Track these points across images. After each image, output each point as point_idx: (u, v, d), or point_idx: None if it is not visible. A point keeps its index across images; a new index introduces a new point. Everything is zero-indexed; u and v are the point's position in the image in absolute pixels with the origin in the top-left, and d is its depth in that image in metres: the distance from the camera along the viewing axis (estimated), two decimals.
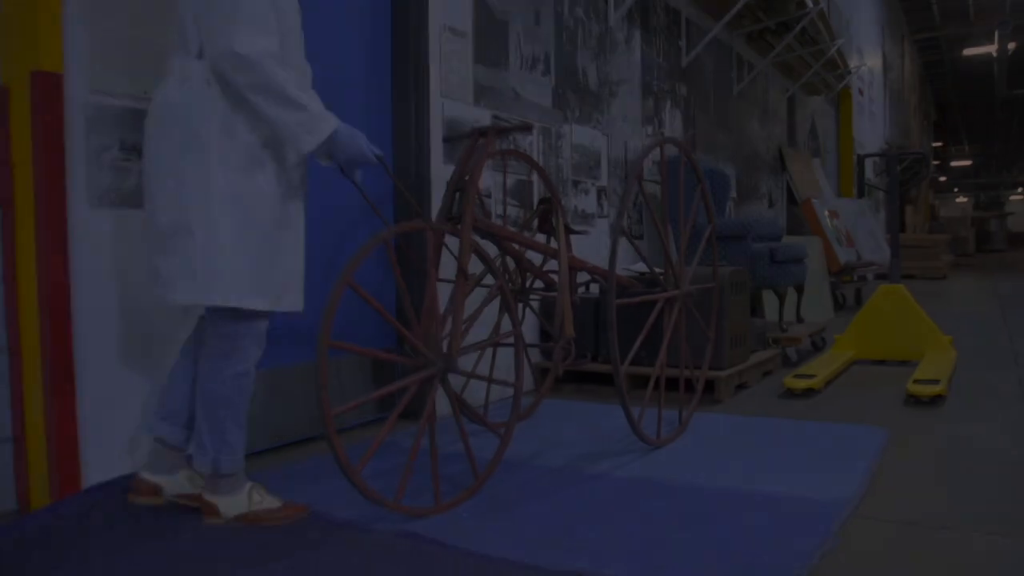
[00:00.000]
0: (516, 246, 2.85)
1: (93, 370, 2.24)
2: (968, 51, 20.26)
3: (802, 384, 3.69)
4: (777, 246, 4.88)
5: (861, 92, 13.35)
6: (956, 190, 42.62)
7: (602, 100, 4.87)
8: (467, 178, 2.62)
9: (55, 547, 1.93)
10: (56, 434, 2.14)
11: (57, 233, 2.17)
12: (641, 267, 3.95)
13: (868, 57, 13.98)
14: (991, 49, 18.67)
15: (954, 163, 37.17)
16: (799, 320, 5.55)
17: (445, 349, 2.30)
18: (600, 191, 4.82)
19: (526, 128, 2.65)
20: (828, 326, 5.58)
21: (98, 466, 2.24)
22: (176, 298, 2.01)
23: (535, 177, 4.09)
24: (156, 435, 2.16)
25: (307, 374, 3.01)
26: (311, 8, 3.06)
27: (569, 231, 3.02)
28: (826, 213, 7.98)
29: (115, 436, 2.30)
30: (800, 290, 5.46)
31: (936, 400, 3.46)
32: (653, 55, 5.67)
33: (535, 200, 4.11)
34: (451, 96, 3.52)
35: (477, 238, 2.70)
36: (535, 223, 3.15)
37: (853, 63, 11.30)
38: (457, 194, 2.65)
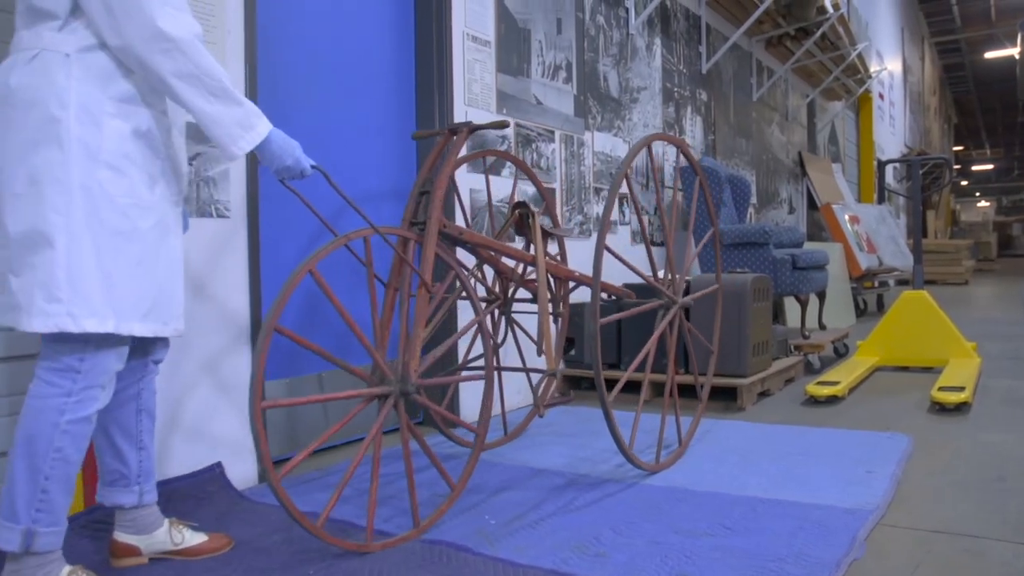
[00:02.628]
0: (492, 253, 2.65)
1: None
2: (990, 54, 20.11)
3: (825, 391, 3.69)
4: (799, 252, 4.87)
5: (881, 96, 13.28)
6: (978, 194, 42.24)
7: (623, 107, 4.89)
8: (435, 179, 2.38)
9: (84, 552, 1.96)
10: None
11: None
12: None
13: (888, 61, 13.91)
14: (1014, 51, 18.52)
15: (976, 167, 36.86)
16: (821, 327, 5.53)
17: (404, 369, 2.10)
18: (622, 198, 4.83)
19: (503, 126, 2.49)
20: (850, 332, 5.56)
21: None
22: (31, 326, 1.60)
23: (557, 184, 4.11)
24: (112, 504, 1.89)
25: (349, 378, 3.04)
26: (335, 19, 3.10)
27: (548, 235, 2.80)
28: (846, 218, 7.95)
29: None
30: (822, 296, 5.43)
31: (961, 407, 3.44)
32: (674, 61, 5.68)
33: (559, 208, 4.13)
34: (474, 104, 3.55)
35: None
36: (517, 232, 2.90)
37: (873, 67, 11.26)
38: (423, 197, 2.40)
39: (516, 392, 3.71)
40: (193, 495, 2.33)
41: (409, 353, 2.10)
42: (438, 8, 3.40)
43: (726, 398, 3.79)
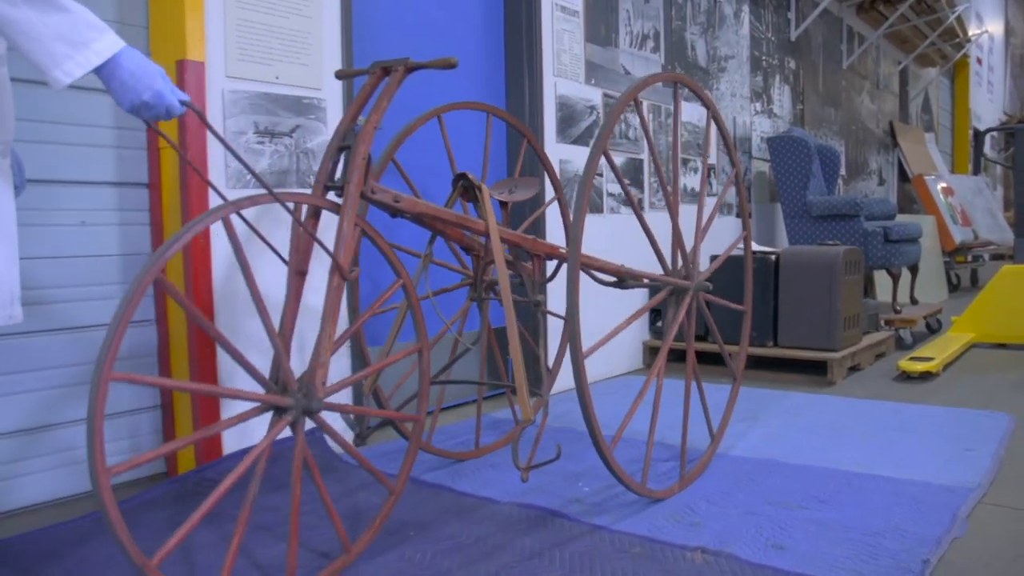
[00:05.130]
0: (446, 225, 2.12)
1: (230, 339, 2.37)
2: None
3: (919, 367, 3.60)
4: (891, 225, 4.74)
5: (980, 61, 12.70)
6: None
7: (711, 76, 4.81)
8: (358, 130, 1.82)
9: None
10: (200, 402, 2.28)
11: (199, 213, 2.30)
12: (752, 246, 3.90)
13: (989, 23, 13.27)
14: None
15: None
16: (913, 301, 5.38)
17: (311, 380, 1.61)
18: (709, 169, 4.77)
19: (449, 65, 1.86)
20: (943, 308, 5.40)
21: (235, 433, 2.38)
22: None
23: (646, 155, 4.09)
24: None
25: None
26: None
27: (505, 205, 2.34)
28: (940, 189, 7.68)
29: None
30: (914, 270, 5.29)
31: None
32: (762, 29, 5.55)
33: (646, 180, 4.10)
34: (563, 75, 3.55)
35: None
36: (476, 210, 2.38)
37: (972, 30, 10.76)
38: (342, 153, 1.84)
39: (624, 359, 3.72)
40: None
41: (315, 359, 1.62)
42: None
43: (815, 372, 3.74)
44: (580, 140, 3.62)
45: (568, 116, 3.56)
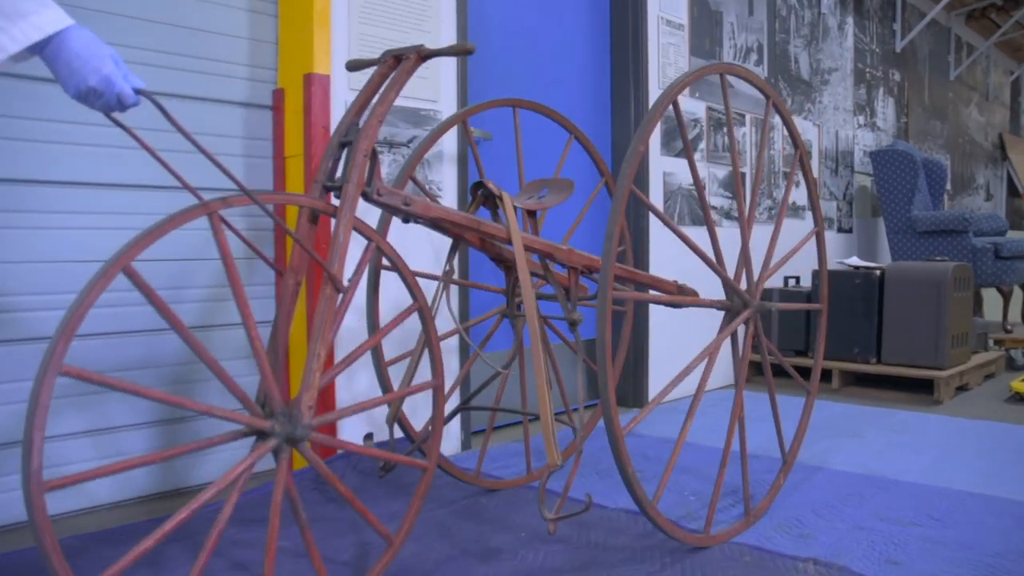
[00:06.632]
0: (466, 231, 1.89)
1: (348, 352, 2.47)
2: None
3: None
4: (1003, 241, 4.59)
5: None
6: None
7: (814, 89, 4.75)
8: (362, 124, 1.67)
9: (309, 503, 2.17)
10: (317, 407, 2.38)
11: (324, 221, 2.40)
12: (855, 261, 3.84)
13: None
14: None
15: None
16: None
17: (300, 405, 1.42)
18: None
19: (465, 51, 1.69)
20: None
21: (347, 434, 2.48)
22: None
23: (748, 169, 4.07)
24: None
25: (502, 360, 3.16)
26: (535, 9, 3.20)
27: (531, 213, 2.11)
28: None
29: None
30: None
31: None
32: (866, 40, 5.45)
33: (748, 192, 4.09)
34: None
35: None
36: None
37: None
38: (344, 150, 1.66)
39: (720, 373, 3.71)
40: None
41: (304, 383, 1.43)
42: None
43: (921, 390, 3.65)
44: (684, 153, 3.63)
45: (672, 129, 3.58)
